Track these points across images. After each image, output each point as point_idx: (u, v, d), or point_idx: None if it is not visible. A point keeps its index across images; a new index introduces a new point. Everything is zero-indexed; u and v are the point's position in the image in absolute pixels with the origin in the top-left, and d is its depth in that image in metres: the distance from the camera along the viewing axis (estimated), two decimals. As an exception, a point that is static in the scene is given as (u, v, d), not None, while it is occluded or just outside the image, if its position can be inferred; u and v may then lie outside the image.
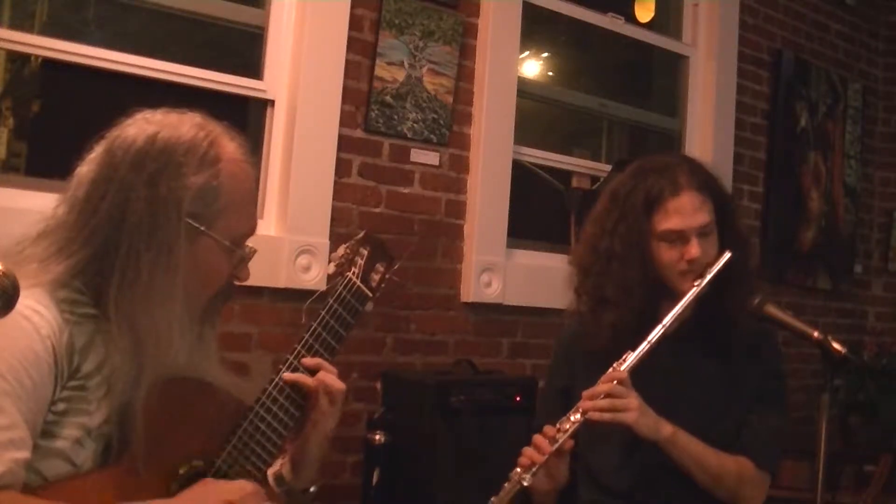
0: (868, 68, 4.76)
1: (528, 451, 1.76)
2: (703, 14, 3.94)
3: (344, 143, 2.82)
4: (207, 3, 2.70)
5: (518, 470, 1.74)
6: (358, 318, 1.55)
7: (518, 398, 2.75)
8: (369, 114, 2.87)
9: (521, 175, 3.30)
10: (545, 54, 3.85)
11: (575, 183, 3.60)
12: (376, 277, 1.60)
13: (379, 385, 2.83)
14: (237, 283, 1.46)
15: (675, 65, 3.99)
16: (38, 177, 2.40)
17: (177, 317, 1.33)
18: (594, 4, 3.60)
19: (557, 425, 1.76)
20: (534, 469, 1.72)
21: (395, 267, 1.64)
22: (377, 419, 2.70)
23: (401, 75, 2.92)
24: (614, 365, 1.78)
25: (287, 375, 1.45)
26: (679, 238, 1.85)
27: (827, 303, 4.48)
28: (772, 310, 1.84)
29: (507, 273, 3.16)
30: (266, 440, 1.42)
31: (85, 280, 1.33)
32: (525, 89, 3.37)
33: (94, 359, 1.31)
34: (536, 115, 3.67)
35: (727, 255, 1.85)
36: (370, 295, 1.57)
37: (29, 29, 2.50)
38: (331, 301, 1.52)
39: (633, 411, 1.75)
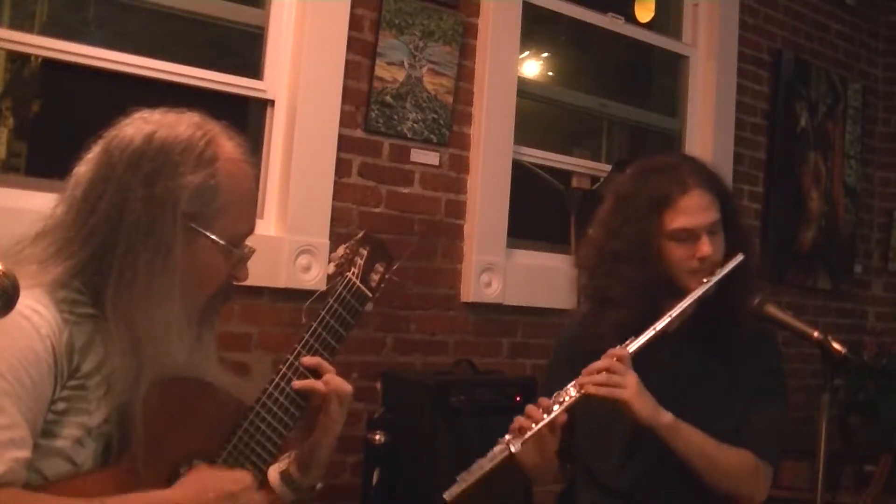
0: (868, 68, 4.76)
1: (519, 419, 1.76)
2: (703, 14, 3.94)
3: (344, 143, 2.82)
4: (207, 3, 2.70)
5: (508, 437, 1.73)
6: (358, 318, 1.55)
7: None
8: (369, 114, 2.87)
9: (521, 175, 3.30)
10: (545, 54, 3.85)
11: (575, 183, 3.59)
12: (376, 277, 1.60)
13: (379, 385, 2.83)
14: (236, 283, 1.46)
15: (675, 65, 3.99)
16: (38, 177, 2.40)
17: (174, 317, 1.32)
18: (594, 4, 3.60)
19: (553, 398, 1.76)
20: (525, 436, 1.71)
21: (395, 267, 1.64)
22: (377, 419, 2.70)
23: (401, 75, 2.92)
24: (617, 347, 1.79)
25: (297, 383, 1.45)
26: (689, 236, 1.86)
27: (827, 303, 4.48)
28: (772, 310, 1.85)
29: (507, 273, 3.16)
30: (266, 440, 1.42)
31: (84, 280, 1.33)
32: (525, 89, 3.37)
33: (93, 358, 1.31)
34: (536, 115, 3.67)
35: (739, 257, 1.86)
36: (370, 295, 1.57)
37: (29, 29, 2.50)
38: (331, 301, 1.52)
39: (631, 388, 1.74)
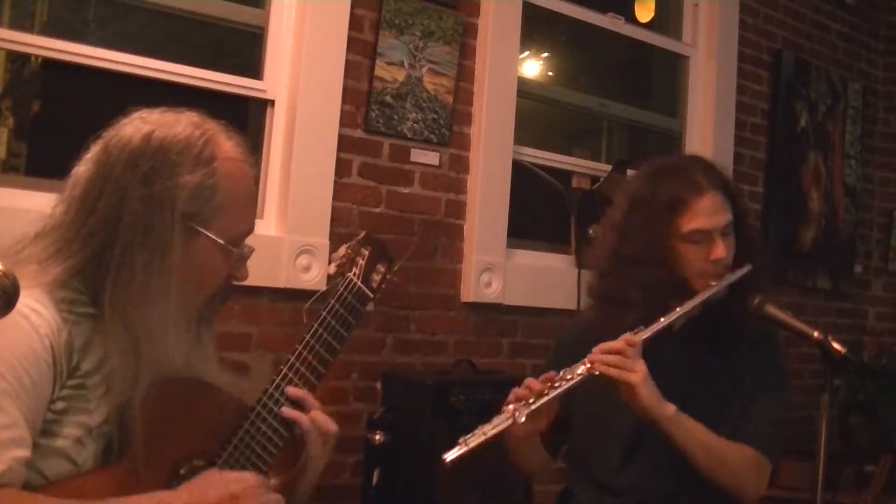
0: (868, 68, 4.76)
1: (517, 391, 1.76)
2: (703, 14, 3.94)
3: (344, 143, 2.82)
4: (207, 3, 2.70)
5: (510, 407, 1.72)
6: (359, 318, 1.55)
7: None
8: (369, 114, 2.87)
9: (521, 175, 3.29)
10: (545, 54, 3.85)
11: (575, 183, 3.59)
12: (377, 278, 1.60)
13: (379, 385, 2.83)
14: (235, 282, 1.46)
15: (675, 65, 3.99)
16: (38, 177, 2.40)
17: (173, 316, 1.32)
18: (594, 4, 3.60)
19: (561, 373, 1.76)
20: (532, 406, 1.71)
21: (396, 268, 1.64)
22: (377, 419, 2.69)
23: (401, 75, 2.92)
24: (627, 334, 1.79)
25: (285, 410, 1.45)
26: (703, 238, 1.87)
27: (827, 303, 4.48)
28: (772, 310, 1.85)
29: (507, 273, 3.16)
30: (267, 441, 1.42)
31: (83, 279, 1.33)
32: (525, 89, 3.37)
33: (92, 358, 1.31)
34: (536, 115, 3.67)
35: (747, 267, 1.88)
36: (371, 295, 1.57)
37: (29, 29, 2.50)
38: (332, 301, 1.52)
39: (639, 374, 1.75)
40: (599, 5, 3.63)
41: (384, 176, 2.92)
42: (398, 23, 2.91)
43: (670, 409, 1.78)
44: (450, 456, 1.65)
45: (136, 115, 1.39)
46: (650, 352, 1.80)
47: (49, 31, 2.48)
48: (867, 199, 4.74)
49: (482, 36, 3.14)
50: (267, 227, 2.71)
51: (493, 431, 1.69)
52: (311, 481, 1.51)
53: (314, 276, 2.68)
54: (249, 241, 1.45)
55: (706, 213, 1.86)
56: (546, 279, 3.30)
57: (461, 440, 1.68)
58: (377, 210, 2.90)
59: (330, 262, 1.61)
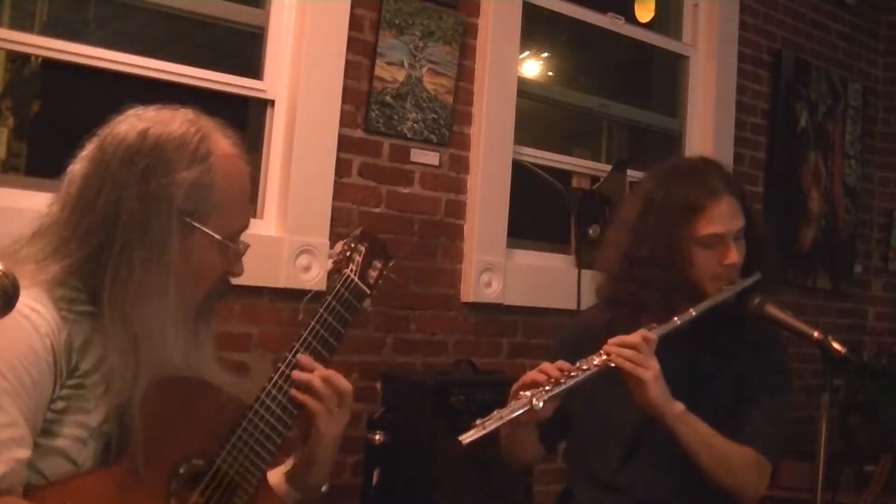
0: (868, 68, 4.76)
1: (531, 373, 1.75)
2: (703, 14, 3.94)
3: (344, 143, 2.82)
4: (207, 3, 2.70)
5: (527, 393, 1.71)
6: (356, 315, 1.55)
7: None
8: (369, 114, 2.87)
9: (521, 175, 3.29)
10: (545, 54, 3.85)
11: (575, 183, 3.59)
12: (374, 274, 1.60)
13: (379, 385, 2.83)
14: (232, 278, 1.45)
15: (675, 65, 3.99)
16: (38, 177, 2.39)
17: (170, 313, 1.32)
18: (594, 4, 3.60)
19: (577, 363, 1.76)
20: (551, 393, 1.70)
21: (392, 264, 1.64)
22: (377, 419, 2.69)
23: (401, 75, 2.92)
24: (642, 329, 1.79)
25: (295, 374, 1.45)
26: (717, 242, 1.87)
27: (827, 303, 4.48)
28: (772, 310, 1.85)
29: (507, 273, 3.16)
30: (266, 439, 1.42)
31: (82, 278, 1.33)
32: (525, 89, 3.37)
33: (92, 357, 1.31)
34: (536, 115, 3.67)
35: (758, 275, 1.89)
36: (368, 292, 1.57)
37: (29, 29, 2.50)
38: (329, 298, 1.52)
39: (652, 371, 1.75)
40: (599, 5, 3.62)
41: (384, 176, 2.92)
42: (398, 23, 2.91)
43: (678, 406, 1.79)
44: (466, 438, 1.63)
45: (130, 112, 1.39)
46: (655, 351, 1.80)
47: (49, 31, 2.48)
48: (867, 199, 4.74)
49: (482, 36, 3.14)
50: (267, 227, 2.71)
51: (511, 416, 1.68)
52: (331, 445, 1.49)
53: (314, 276, 2.68)
54: (247, 238, 1.45)
55: (721, 218, 1.87)
56: (546, 279, 3.30)
57: (478, 422, 1.66)
58: (377, 210, 2.90)
59: (327, 259, 1.61)
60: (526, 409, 1.69)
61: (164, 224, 1.32)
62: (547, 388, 1.71)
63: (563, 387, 1.72)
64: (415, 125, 2.97)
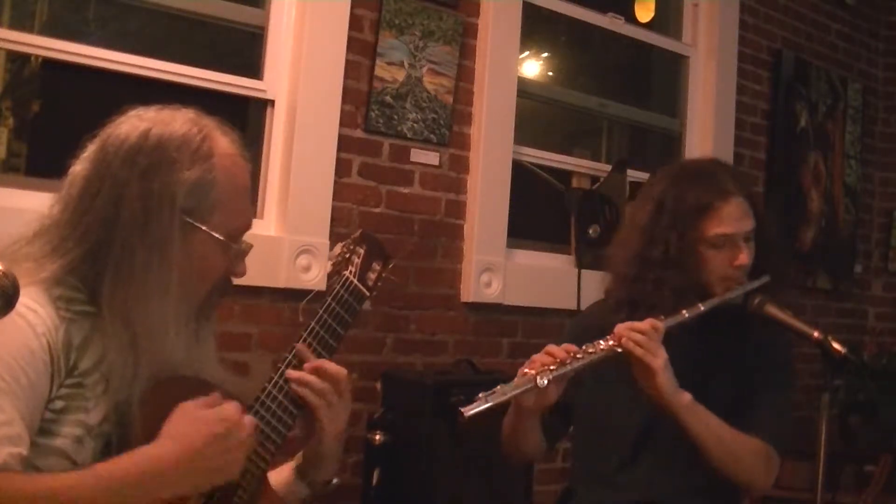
0: (868, 68, 4.76)
1: (538, 356, 1.75)
2: (703, 14, 3.94)
3: (344, 143, 2.82)
4: (207, 3, 2.70)
5: (532, 371, 1.70)
6: (356, 317, 1.55)
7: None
8: (369, 114, 2.87)
9: (521, 175, 3.29)
10: (545, 54, 3.84)
11: (575, 183, 3.60)
12: (373, 276, 1.60)
13: (379, 385, 2.82)
14: (234, 278, 1.45)
15: (675, 65, 3.99)
16: (38, 177, 2.39)
17: (171, 312, 1.32)
18: (594, 4, 3.60)
19: (584, 346, 1.76)
20: (554, 374, 1.69)
21: (392, 265, 1.64)
22: (377, 419, 2.70)
23: (401, 75, 2.92)
24: (651, 318, 1.80)
25: (291, 374, 1.45)
26: (727, 243, 1.88)
27: (827, 303, 4.48)
28: (772, 310, 1.85)
29: (507, 273, 3.16)
30: (265, 439, 1.41)
31: (81, 277, 1.33)
32: (525, 89, 3.37)
33: (91, 356, 1.31)
34: (536, 115, 3.67)
35: (766, 278, 1.89)
36: (367, 293, 1.57)
37: (29, 29, 2.50)
38: (329, 300, 1.52)
39: (661, 359, 1.76)
40: (599, 5, 3.62)
41: (384, 176, 2.92)
42: (398, 23, 2.91)
43: (686, 397, 1.79)
44: (469, 411, 1.62)
45: (131, 113, 1.39)
46: (664, 341, 1.80)
47: (49, 31, 2.49)
48: (867, 199, 4.74)
49: (482, 36, 3.14)
50: (267, 227, 2.71)
51: (514, 392, 1.68)
52: (336, 438, 1.48)
53: (314, 276, 2.68)
54: (249, 239, 1.45)
55: (731, 219, 1.88)
56: (546, 279, 3.30)
57: (480, 395, 1.64)
58: (377, 210, 2.90)
59: (327, 261, 1.62)
60: (530, 385, 1.68)
61: (165, 223, 1.32)
62: (552, 367, 1.71)
63: (569, 367, 1.71)
64: (415, 125, 2.97)
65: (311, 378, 1.45)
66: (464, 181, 3.11)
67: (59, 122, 2.58)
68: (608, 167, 3.49)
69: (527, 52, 3.63)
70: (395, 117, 2.92)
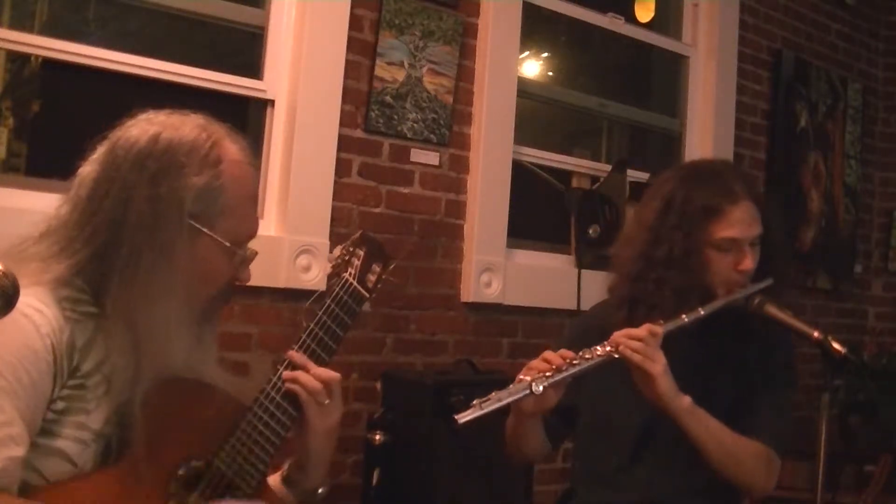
0: (868, 68, 4.76)
1: (535, 362, 1.75)
2: (703, 14, 3.94)
3: (344, 143, 2.82)
4: (207, 3, 2.70)
5: (528, 378, 1.70)
6: (355, 318, 1.55)
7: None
8: (369, 114, 2.87)
9: (521, 175, 3.29)
10: (545, 54, 3.84)
11: (575, 183, 3.59)
12: (373, 278, 1.60)
13: (379, 385, 2.83)
14: (238, 284, 1.46)
15: (675, 65, 3.99)
16: (38, 177, 2.40)
17: (176, 316, 1.33)
18: (594, 4, 3.60)
19: (581, 352, 1.75)
20: (550, 381, 1.69)
21: (392, 267, 1.63)
22: (377, 419, 2.70)
23: (401, 75, 2.92)
24: (649, 323, 1.79)
25: (286, 375, 1.45)
26: (733, 247, 1.87)
27: (827, 303, 4.48)
28: (772, 310, 1.85)
29: (507, 273, 3.16)
30: (264, 440, 1.42)
31: (86, 278, 1.33)
32: (525, 89, 3.37)
33: (94, 357, 1.31)
34: (536, 115, 3.67)
35: (769, 281, 1.89)
36: (367, 295, 1.57)
37: (29, 29, 2.50)
38: (328, 302, 1.52)
39: (660, 365, 1.75)
40: (599, 5, 3.62)
41: (384, 176, 2.92)
42: (398, 23, 2.91)
43: (686, 400, 1.79)
44: (462, 418, 1.62)
45: (141, 116, 1.40)
46: (662, 348, 1.79)
47: (49, 31, 2.48)
48: (867, 199, 4.74)
49: (482, 36, 3.14)
50: (267, 227, 2.71)
51: (509, 399, 1.67)
52: (326, 443, 1.49)
53: (314, 276, 2.68)
54: (250, 241, 1.46)
55: (739, 222, 1.87)
56: (546, 279, 3.30)
57: (475, 402, 1.64)
58: (377, 210, 2.90)
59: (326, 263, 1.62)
60: (525, 393, 1.68)
61: (173, 227, 1.32)
62: (548, 374, 1.71)
63: (565, 374, 1.71)
64: (415, 125, 2.97)
65: (304, 376, 1.45)
66: (464, 181, 3.11)
67: (59, 122, 2.58)
68: (608, 167, 3.49)
69: (527, 52, 3.63)
70: (395, 117, 2.92)
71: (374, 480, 2.62)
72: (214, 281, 1.41)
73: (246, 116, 2.80)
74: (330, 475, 1.56)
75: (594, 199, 3.33)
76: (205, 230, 1.36)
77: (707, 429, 1.80)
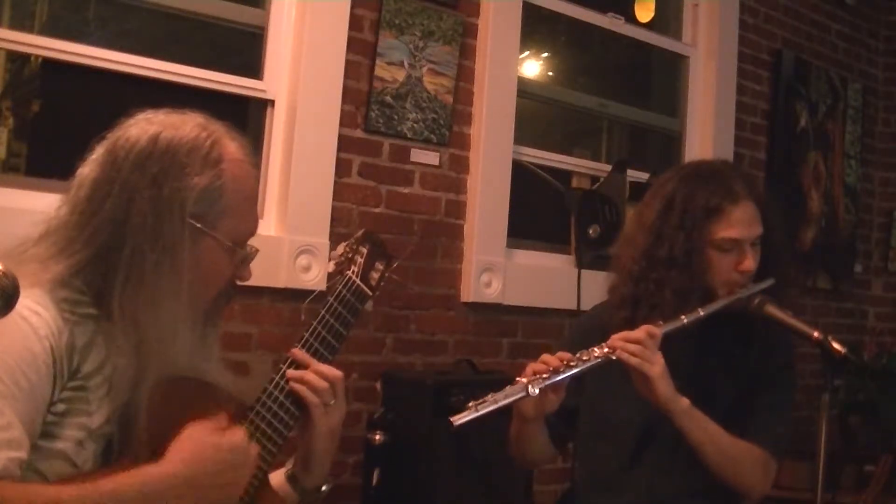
0: (868, 68, 4.76)
1: (533, 365, 1.75)
2: (703, 14, 3.94)
3: (344, 143, 2.82)
4: (207, 3, 2.70)
5: (524, 380, 1.70)
6: (358, 316, 1.55)
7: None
8: (369, 114, 2.87)
9: (521, 175, 3.29)
10: (545, 54, 3.84)
11: (575, 183, 3.60)
12: (375, 276, 1.60)
13: (379, 385, 2.83)
14: (239, 283, 1.46)
15: (675, 65, 4.00)
16: (38, 177, 2.39)
17: (181, 317, 1.33)
18: (594, 4, 3.60)
19: (578, 354, 1.75)
20: (546, 382, 1.69)
21: (395, 265, 1.64)
22: (377, 419, 2.70)
23: (401, 75, 2.92)
24: (647, 325, 1.79)
25: (290, 373, 1.45)
26: (733, 247, 1.87)
27: (827, 303, 4.48)
28: (772, 310, 1.85)
29: (507, 273, 3.16)
30: (267, 440, 1.42)
31: (86, 279, 1.33)
32: (525, 89, 3.37)
33: (94, 359, 1.31)
34: (536, 115, 3.67)
35: (770, 281, 1.89)
36: (370, 294, 1.57)
37: (29, 29, 2.50)
38: (331, 300, 1.52)
39: (658, 367, 1.75)
40: (599, 5, 3.63)
41: (384, 176, 2.92)
42: (398, 23, 2.91)
43: (685, 402, 1.79)
44: (458, 420, 1.61)
45: (140, 116, 1.39)
46: (662, 349, 1.80)
47: (49, 31, 2.48)
48: (867, 199, 4.74)
49: (482, 36, 3.14)
50: (267, 227, 2.71)
51: (505, 401, 1.67)
52: (329, 441, 1.49)
53: (314, 276, 2.68)
54: (250, 241, 1.46)
55: (739, 223, 1.87)
56: (546, 279, 3.30)
57: (471, 404, 1.64)
58: (377, 210, 2.90)
59: (329, 261, 1.61)
60: (521, 395, 1.67)
61: (175, 228, 1.32)
62: (544, 375, 1.71)
63: (561, 375, 1.71)
64: (415, 125, 2.97)
65: (311, 375, 1.45)
66: (464, 181, 3.11)
67: (59, 122, 2.58)
68: (608, 167, 3.49)
69: (527, 52, 3.63)
70: (395, 117, 2.92)
71: (374, 480, 2.62)
72: (216, 280, 1.41)
73: (246, 116, 2.80)
74: (329, 475, 1.56)
75: (594, 199, 3.32)
76: (207, 230, 1.36)
77: (705, 431, 1.81)
